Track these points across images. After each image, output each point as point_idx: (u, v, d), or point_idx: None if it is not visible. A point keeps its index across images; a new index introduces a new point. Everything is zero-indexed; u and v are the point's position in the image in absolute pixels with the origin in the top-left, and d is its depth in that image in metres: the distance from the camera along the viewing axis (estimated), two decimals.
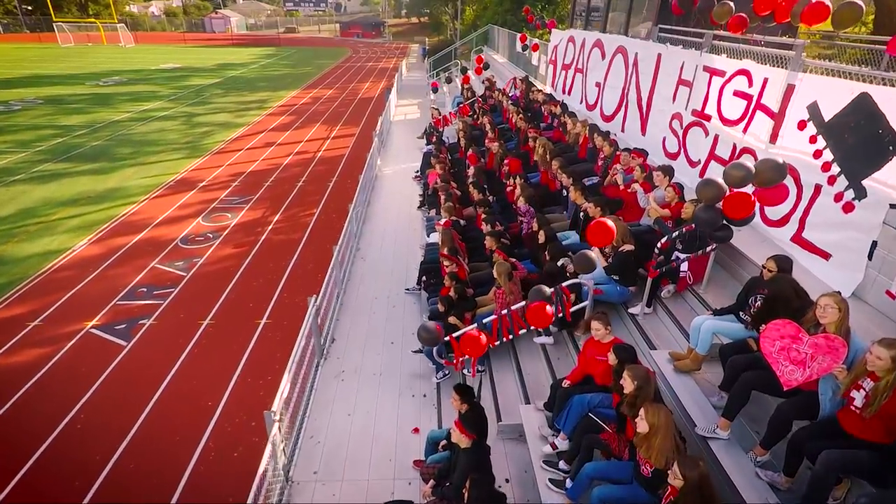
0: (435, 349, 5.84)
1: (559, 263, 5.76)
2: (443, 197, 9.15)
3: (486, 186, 9.07)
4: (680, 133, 7.64)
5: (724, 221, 4.24)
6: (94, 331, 9.11)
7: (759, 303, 4.00)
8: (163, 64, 43.26)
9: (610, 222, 4.50)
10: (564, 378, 4.67)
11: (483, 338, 5.06)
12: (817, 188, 4.90)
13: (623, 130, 9.81)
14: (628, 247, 5.48)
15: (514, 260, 6.45)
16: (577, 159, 9.11)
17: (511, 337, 5.55)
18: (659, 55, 8.35)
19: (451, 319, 5.95)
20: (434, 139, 13.13)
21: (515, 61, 19.65)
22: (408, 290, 8.37)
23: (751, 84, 5.98)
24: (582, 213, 6.72)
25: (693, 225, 4.88)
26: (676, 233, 5.17)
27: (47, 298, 9.99)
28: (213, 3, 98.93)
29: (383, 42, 70.61)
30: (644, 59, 8.92)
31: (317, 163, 18.41)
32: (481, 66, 16.91)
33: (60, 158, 18.23)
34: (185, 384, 7.93)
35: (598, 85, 11.03)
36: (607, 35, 11.11)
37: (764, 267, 4.21)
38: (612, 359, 3.93)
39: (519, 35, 17.17)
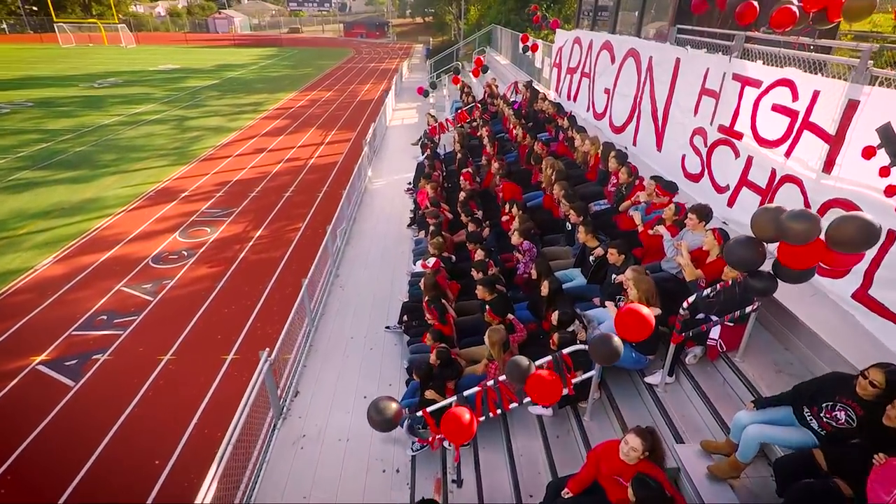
0: (405, 422, 4.82)
1: (570, 329, 4.68)
2: (431, 226, 8.10)
3: (480, 211, 8.01)
4: (703, 151, 6.55)
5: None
6: (41, 367, 8.15)
7: (841, 417, 2.92)
8: (161, 65, 42.51)
9: (646, 312, 3.38)
10: (565, 482, 3.62)
11: (467, 416, 3.99)
12: (891, 235, 3.83)
13: (635, 144, 8.73)
14: (653, 312, 4.39)
15: (511, 318, 5.37)
16: (583, 180, 8.04)
17: (500, 412, 4.49)
18: (677, 60, 7.27)
19: (429, 394, 4.89)
20: (428, 150, 12.06)
21: (518, 63, 18.57)
22: (388, 328, 7.33)
23: (795, 97, 4.90)
24: (593, 258, 5.66)
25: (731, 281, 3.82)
26: (709, 291, 4.07)
27: None
28: (217, 3, 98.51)
29: (387, 42, 69.69)
30: (659, 64, 7.84)
31: (308, 171, 17.43)
32: (480, 68, 15.84)
33: (40, 166, 17.35)
34: (133, 436, 6.94)
35: (606, 92, 9.95)
36: (617, 36, 10.03)
37: (865, 376, 3.01)
38: (630, 495, 2.86)
39: (521, 35, 16.07)
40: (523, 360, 3.71)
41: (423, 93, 17.41)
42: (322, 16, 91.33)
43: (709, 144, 6.38)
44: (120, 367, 8.19)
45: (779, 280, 3.24)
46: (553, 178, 7.20)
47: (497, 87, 15.83)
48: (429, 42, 59.29)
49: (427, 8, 70.45)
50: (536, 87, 14.83)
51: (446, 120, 14.22)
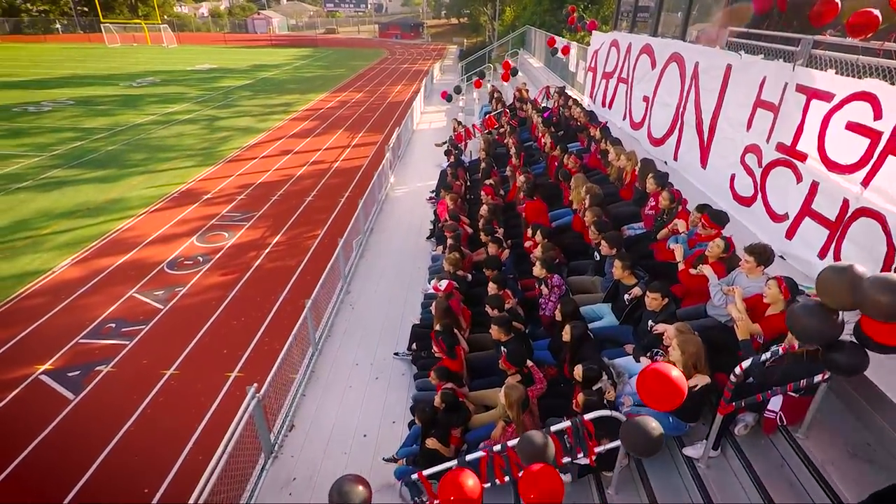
0: (400, 485, 4.24)
1: (595, 388, 3.99)
2: (449, 241, 7.49)
3: (501, 229, 7.35)
4: (757, 173, 5.73)
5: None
6: (43, 377, 7.94)
7: None
8: (199, 65, 43.31)
9: (676, 375, 2.70)
10: None
11: (470, 483, 3.33)
12: None
13: (676, 159, 7.91)
14: (701, 380, 3.65)
15: (530, 366, 4.69)
16: (617, 198, 7.28)
17: (508, 479, 3.84)
18: (728, 66, 6.45)
19: (430, 443, 4.28)
20: (452, 158, 11.46)
21: (552, 66, 17.75)
22: (396, 354, 6.77)
23: (878, 115, 4.08)
24: (629, 297, 4.94)
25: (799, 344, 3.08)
26: (769, 356, 3.31)
27: (7, 332, 8.92)
28: (257, 4, 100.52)
29: (421, 43, 69.47)
30: (707, 71, 7.02)
31: (331, 174, 17.09)
32: (509, 71, 15.09)
33: (72, 164, 17.57)
34: (126, 459, 6.59)
35: (645, 100, 9.14)
36: (658, 39, 9.20)
37: None
38: None
39: (548, 39, 15.26)
40: (537, 439, 3.06)
41: (447, 97, 16.72)
42: (358, 17, 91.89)
43: (764, 165, 5.56)
44: (121, 380, 7.90)
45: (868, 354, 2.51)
46: (586, 201, 6.48)
47: (527, 91, 15.09)
48: (463, 43, 58.81)
49: (462, 9, 69.96)
50: (570, 92, 14.04)
51: (473, 126, 13.59)
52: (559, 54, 15.02)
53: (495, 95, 15.05)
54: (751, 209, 5.84)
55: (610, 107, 11.26)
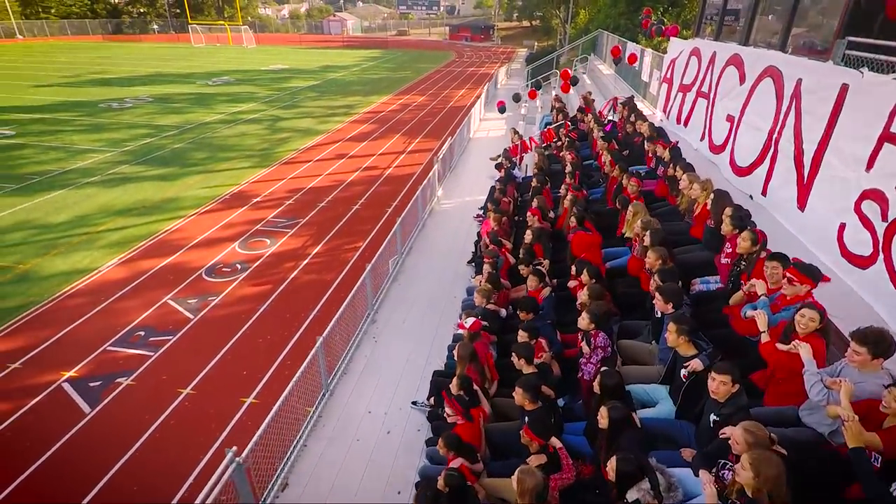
0: None
1: (633, 500, 3.00)
2: (486, 267, 6.62)
3: (546, 261, 6.38)
4: (879, 227, 4.43)
5: None
6: (65, 385, 7.82)
7: None
8: (272, 65, 44.79)
9: None
10: None
11: None
12: None
13: (764, 194, 6.59)
14: None
15: (557, 446, 3.77)
16: (686, 238, 6.09)
17: None
18: (843, 87, 5.14)
19: None
20: (503, 173, 10.54)
21: (623, 75, 16.33)
22: (414, 404, 5.98)
23: None
24: (686, 371, 3.87)
25: None
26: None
27: (43, 333, 8.97)
28: (335, 6, 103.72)
29: (491, 46, 68.62)
30: (813, 91, 5.71)
31: (382, 182, 16.62)
32: (568, 81, 13.86)
33: (139, 161, 18.21)
34: (127, 485, 6.23)
35: (730, 119, 7.80)
36: (750, 49, 7.85)
37: None
38: None
39: (611, 48, 13.87)
40: None
41: (501, 108, 15.52)
42: (430, 19, 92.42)
43: (891, 218, 4.28)
44: (138, 395, 7.63)
45: None
46: (645, 238, 5.39)
47: (593, 101, 13.86)
48: (533, 46, 57.40)
49: (535, 11, 68.41)
50: (641, 105, 12.70)
51: (530, 139, 12.58)
52: (625, 62, 13.64)
53: (556, 105, 13.93)
54: (866, 273, 4.55)
55: (685, 124, 9.92)
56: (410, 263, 9.36)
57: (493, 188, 10.07)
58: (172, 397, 7.61)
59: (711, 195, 5.87)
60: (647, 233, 5.35)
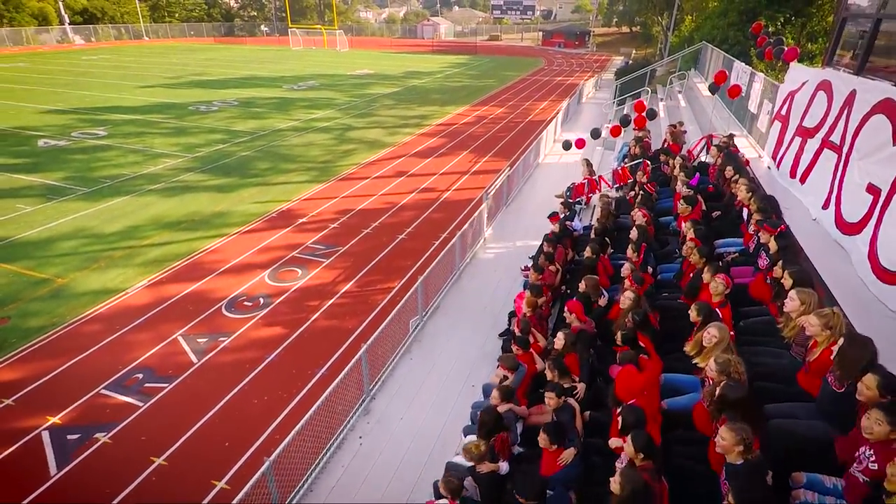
0: None
1: None
2: (506, 375, 5.01)
3: (577, 389, 4.64)
4: None
5: None
6: (45, 434, 7.24)
7: None
8: (358, 70, 45.27)
9: None
10: None
11: None
12: None
13: None
14: None
15: None
16: (787, 387, 4.08)
17: None
18: None
19: None
20: (557, 224, 8.73)
21: (726, 100, 13.65)
22: None
23: None
24: None
25: None
26: None
27: (48, 364, 8.59)
28: (432, 10, 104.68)
29: (584, 53, 65.27)
30: None
31: (437, 207, 15.30)
32: (643, 114, 11.46)
33: (204, 168, 18.35)
34: None
35: (873, 192, 5.53)
36: None
37: None
38: None
39: (715, 73, 11.36)
40: None
41: (565, 145, 13.19)
42: (525, 24, 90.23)
43: None
44: (108, 460, 6.85)
45: None
46: (722, 392, 3.52)
47: (684, 132, 11.54)
48: (630, 54, 53.62)
49: (636, 17, 64.11)
50: (744, 142, 10.27)
51: (599, 178, 10.61)
52: (723, 93, 11.16)
53: (638, 134, 11.78)
54: None
55: (802, 180, 7.56)
56: (431, 329, 7.91)
57: (541, 246, 8.32)
58: (143, 467, 6.74)
59: (833, 327, 3.84)
60: (726, 390, 3.49)
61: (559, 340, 4.95)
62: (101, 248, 12.64)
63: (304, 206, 15.27)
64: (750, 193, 6.70)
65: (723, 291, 4.88)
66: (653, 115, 11.46)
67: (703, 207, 7.40)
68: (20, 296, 10.47)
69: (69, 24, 65.48)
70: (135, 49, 59.27)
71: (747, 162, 8.85)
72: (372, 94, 33.88)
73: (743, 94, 11.46)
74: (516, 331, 5.74)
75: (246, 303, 10.40)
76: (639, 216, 7.38)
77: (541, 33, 78.11)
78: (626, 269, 5.88)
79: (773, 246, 5.29)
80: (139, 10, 75.16)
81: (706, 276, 5.08)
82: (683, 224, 6.88)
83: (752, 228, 6.13)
